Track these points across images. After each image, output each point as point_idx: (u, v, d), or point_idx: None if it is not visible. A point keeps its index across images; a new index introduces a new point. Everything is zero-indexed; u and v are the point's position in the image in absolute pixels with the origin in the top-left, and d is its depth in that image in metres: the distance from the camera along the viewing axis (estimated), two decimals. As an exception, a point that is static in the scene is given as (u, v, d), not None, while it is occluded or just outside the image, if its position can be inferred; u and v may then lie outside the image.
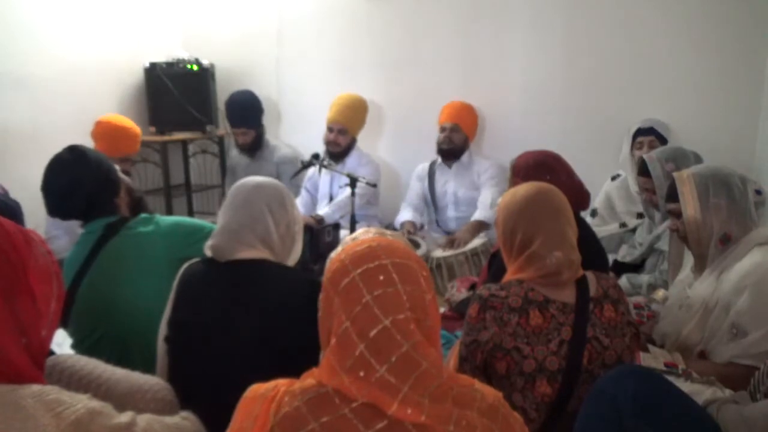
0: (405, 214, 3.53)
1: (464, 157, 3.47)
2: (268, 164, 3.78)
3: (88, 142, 2.02)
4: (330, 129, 3.52)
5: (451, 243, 3.07)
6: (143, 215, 1.96)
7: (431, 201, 3.56)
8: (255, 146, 3.79)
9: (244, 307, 1.46)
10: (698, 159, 2.37)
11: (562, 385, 1.40)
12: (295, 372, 1.02)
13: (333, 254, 1.09)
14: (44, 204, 1.90)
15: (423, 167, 3.62)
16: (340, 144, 3.50)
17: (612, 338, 1.45)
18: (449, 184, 3.50)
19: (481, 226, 3.21)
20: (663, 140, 2.98)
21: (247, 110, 3.76)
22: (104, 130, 3.13)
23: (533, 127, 3.48)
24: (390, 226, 3.46)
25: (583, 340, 1.42)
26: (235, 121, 3.75)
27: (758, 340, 1.64)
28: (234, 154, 3.95)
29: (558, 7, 3.36)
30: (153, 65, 3.86)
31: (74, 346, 1.88)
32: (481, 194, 3.39)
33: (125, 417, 1.00)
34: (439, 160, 3.53)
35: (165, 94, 3.83)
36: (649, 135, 3.00)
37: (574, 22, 3.35)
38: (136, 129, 3.29)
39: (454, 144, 3.43)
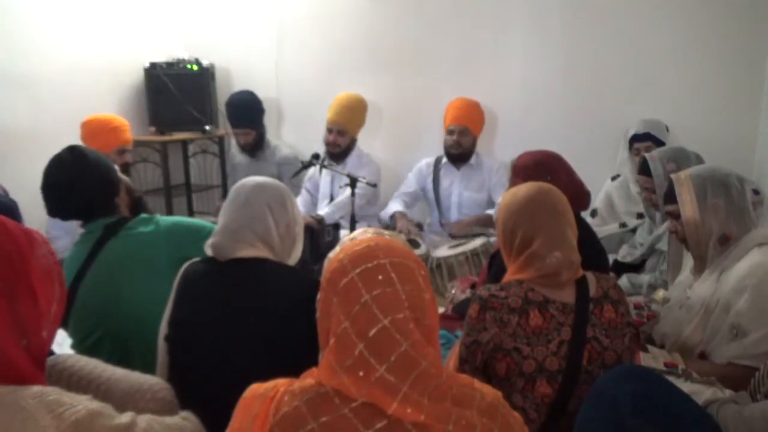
0: (394, 206, 3.47)
1: (472, 159, 3.43)
2: (269, 164, 3.78)
3: (87, 143, 2.03)
4: (329, 130, 3.51)
5: (453, 233, 3.08)
6: (143, 215, 1.96)
7: (435, 201, 3.53)
8: (256, 146, 3.79)
9: (244, 307, 1.47)
10: (699, 160, 2.37)
11: (561, 385, 1.40)
12: (294, 372, 1.02)
13: (331, 254, 1.10)
14: (44, 204, 1.90)
15: (427, 164, 3.56)
16: (339, 145, 3.49)
17: (612, 339, 1.45)
18: (455, 185, 3.46)
19: (488, 221, 3.18)
20: (660, 144, 2.95)
21: (248, 110, 3.76)
22: (89, 129, 3.10)
23: (533, 128, 3.48)
24: (390, 227, 3.45)
25: (582, 340, 1.42)
26: (236, 121, 3.75)
27: (758, 341, 1.64)
28: (235, 154, 3.96)
29: (558, 7, 3.37)
30: (153, 65, 3.86)
31: (74, 346, 1.88)
32: (496, 197, 3.35)
33: (125, 417, 1.00)
34: (445, 159, 3.49)
35: (165, 94, 3.83)
36: (645, 141, 2.98)
37: (574, 23, 3.35)
38: (121, 119, 3.26)
39: (464, 148, 3.39)
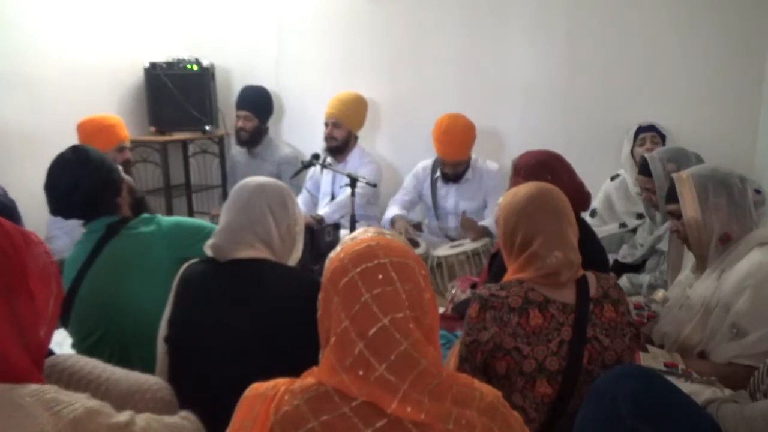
0: (393, 210, 3.43)
1: (469, 174, 3.38)
2: (268, 163, 3.79)
3: (87, 142, 2.04)
4: (326, 124, 3.53)
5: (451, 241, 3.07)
6: (144, 215, 1.96)
7: (433, 208, 3.49)
8: (253, 139, 3.79)
9: (244, 307, 1.47)
10: (699, 160, 2.37)
11: (562, 385, 1.40)
12: (295, 371, 1.02)
13: (332, 254, 1.09)
14: (47, 203, 1.91)
15: (424, 167, 3.52)
16: (336, 138, 3.50)
17: (612, 338, 1.45)
18: (451, 195, 3.41)
19: (485, 233, 3.15)
20: (663, 138, 3.00)
21: (257, 97, 3.79)
22: (86, 130, 3.07)
23: (533, 128, 3.48)
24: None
25: (583, 340, 1.42)
26: (242, 103, 3.77)
27: (758, 341, 1.64)
28: (234, 153, 3.96)
29: (559, 8, 3.37)
30: (153, 65, 3.86)
31: (74, 346, 1.88)
32: (489, 203, 3.30)
33: (124, 416, 1.00)
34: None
35: (165, 94, 3.84)
36: (650, 131, 3.02)
37: (575, 24, 3.35)
38: (115, 117, 3.23)
39: (459, 170, 3.35)
